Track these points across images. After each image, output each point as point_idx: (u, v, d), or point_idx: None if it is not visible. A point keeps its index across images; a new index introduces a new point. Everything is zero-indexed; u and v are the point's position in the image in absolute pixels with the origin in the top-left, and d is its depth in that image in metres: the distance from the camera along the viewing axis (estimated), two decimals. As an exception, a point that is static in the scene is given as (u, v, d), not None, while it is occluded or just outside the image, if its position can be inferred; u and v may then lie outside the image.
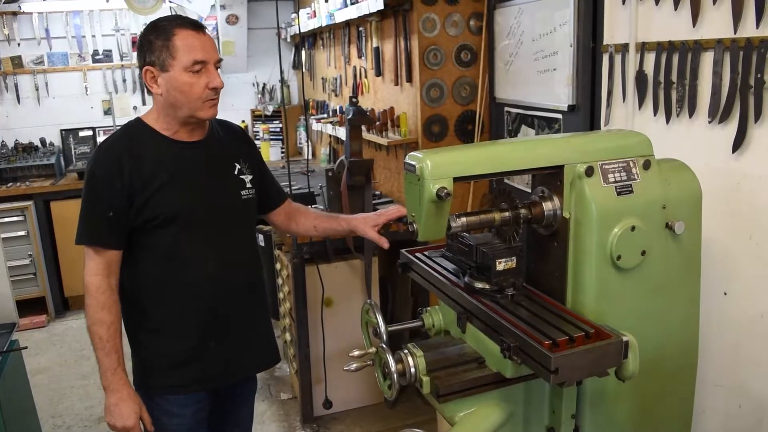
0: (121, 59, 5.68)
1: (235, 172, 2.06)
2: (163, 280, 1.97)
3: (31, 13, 5.39)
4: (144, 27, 1.93)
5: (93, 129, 5.60)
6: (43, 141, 5.56)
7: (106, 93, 5.71)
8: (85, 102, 5.69)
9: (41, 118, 5.60)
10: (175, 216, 1.92)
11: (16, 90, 5.50)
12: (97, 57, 5.63)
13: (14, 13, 5.34)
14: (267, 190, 2.24)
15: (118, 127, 2.03)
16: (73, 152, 5.60)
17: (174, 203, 1.92)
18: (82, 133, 5.62)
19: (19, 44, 5.45)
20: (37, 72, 5.53)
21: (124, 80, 5.71)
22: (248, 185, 2.08)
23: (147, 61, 1.88)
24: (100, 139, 5.59)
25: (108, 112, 5.71)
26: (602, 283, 1.54)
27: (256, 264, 2.18)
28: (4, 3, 4.67)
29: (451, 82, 3.34)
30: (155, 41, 1.85)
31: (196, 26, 1.90)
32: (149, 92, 1.95)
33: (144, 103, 5.75)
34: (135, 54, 2.06)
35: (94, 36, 5.59)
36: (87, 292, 1.91)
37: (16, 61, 5.47)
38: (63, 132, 5.64)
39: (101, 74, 5.66)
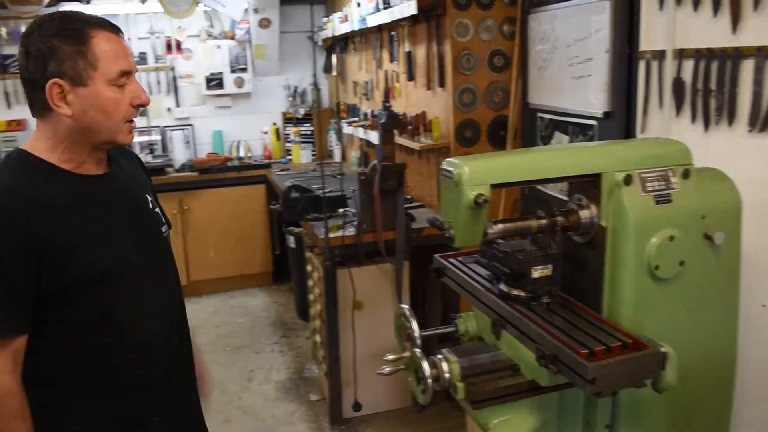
0: (156, 61, 5.76)
1: (150, 206, 1.71)
2: (92, 359, 1.56)
3: (70, 17, 5.48)
4: (32, 26, 1.47)
5: (128, 130, 5.67)
6: (79, 142, 5.65)
7: (140, 95, 5.78)
8: (120, 103, 5.76)
9: (78, 119, 5.68)
10: (104, 272, 1.52)
11: (54, 91, 5.59)
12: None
13: (53, 17, 5.44)
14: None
15: (1, 162, 1.54)
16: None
17: (101, 256, 1.52)
18: (116, 134, 5.71)
19: (57, 47, 5.54)
20: (75, 74, 5.62)
21: (159, 82, 5.79)
22: (163, 220, 1.74)
23: (52, 73, 1.43)
24: (136, 139, 5.66)
25: (143, 113, 5.78)
26: (639, 293, 1.53)
27: (185, 314, 1.80)
28: (45, 7, 4.76)
29: (483, 87, 3.33)
30: (63, 46, 1.43)
31: (114, 27, 1.52)
32: (38, 115, 1.50)
33: (178, 105, 5.83)
34: (35, 65, 1.45)
35: (129, 39, 5.67)
36: None
37: (55, 64, 5.56)
38: (99, 133, 5.72)
39: (136, 76, 5.73)
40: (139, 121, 5.74)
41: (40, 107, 1.48)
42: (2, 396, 1.45)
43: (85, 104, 1.46)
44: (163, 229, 1.72)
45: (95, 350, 1.56)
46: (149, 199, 1.71)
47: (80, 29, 1.46)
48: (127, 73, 1.51)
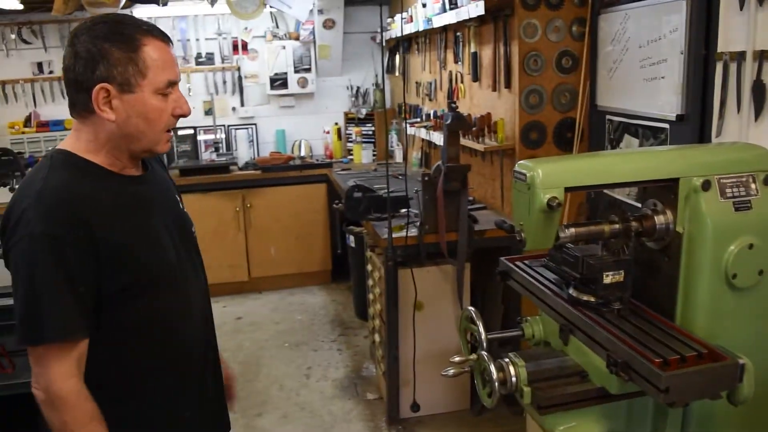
0: (222, 62, 5.89)
1: (182, 207, 1.72)
2: (134, 361, 1.55)
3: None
4: (82, 28, 1.46)
5: (194, 128, 5.81)
6: (148, 139, 5.81)
7: (207, 94, 5.91)
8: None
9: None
10: (155, 274, 1.53)
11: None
12: (199, 60, 5.84)
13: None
14: None
15: (45, 162, 1.51)
16: (175, 150, 5.83)
17: (152, 258, 1.53)
18: (181, 132, 5.83)
19: (129, 47, 5.71)
20: (145, 73, 5.79)
21: (225, 82, 5.91)
22: (191, 219, 1.75)
23: (100, 77, 1.42)
24: (202, 137, 5.82)
25: (209, 112, 5.93)
26: (715, 302, 1.48)
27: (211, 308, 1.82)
28: (122, 9, 4.92)
29: (550, 89, 3.29)
30: (114, 51, 1.42)
31: (163, 35, 1.52)
32: (79, 116, 1.49)
33: (242, 104, 5.95)
34: (84, 67, 1.43)
35: (197, 39, 5.81)
36: (65, 405, 1.41)
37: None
38: (166, 130, 5.88)
39: (203, 76, 5.88)
40: (205, 120, 5.89)
41: (82, 108, 1.47)
42: (76, 399, 1.42)
43: (130, 111, 1.45)
44: (193, 230, 1.73)
45: (138, 353, 1.55)
46: (177, 198, 1.72)
47: (132, 35, 1.44)
48: (173, 83, 1.51)
